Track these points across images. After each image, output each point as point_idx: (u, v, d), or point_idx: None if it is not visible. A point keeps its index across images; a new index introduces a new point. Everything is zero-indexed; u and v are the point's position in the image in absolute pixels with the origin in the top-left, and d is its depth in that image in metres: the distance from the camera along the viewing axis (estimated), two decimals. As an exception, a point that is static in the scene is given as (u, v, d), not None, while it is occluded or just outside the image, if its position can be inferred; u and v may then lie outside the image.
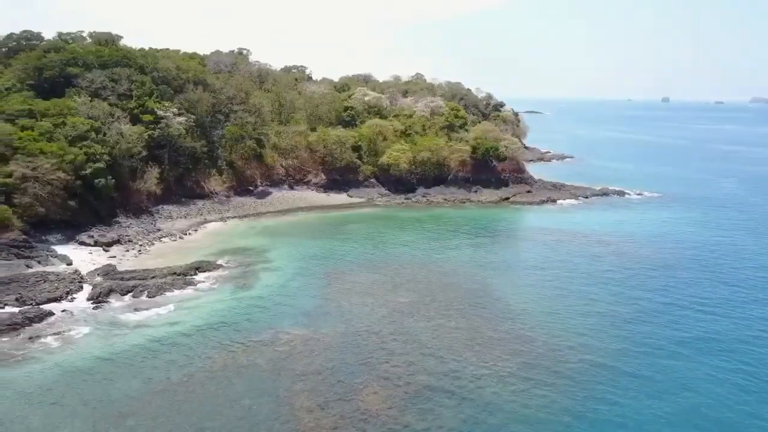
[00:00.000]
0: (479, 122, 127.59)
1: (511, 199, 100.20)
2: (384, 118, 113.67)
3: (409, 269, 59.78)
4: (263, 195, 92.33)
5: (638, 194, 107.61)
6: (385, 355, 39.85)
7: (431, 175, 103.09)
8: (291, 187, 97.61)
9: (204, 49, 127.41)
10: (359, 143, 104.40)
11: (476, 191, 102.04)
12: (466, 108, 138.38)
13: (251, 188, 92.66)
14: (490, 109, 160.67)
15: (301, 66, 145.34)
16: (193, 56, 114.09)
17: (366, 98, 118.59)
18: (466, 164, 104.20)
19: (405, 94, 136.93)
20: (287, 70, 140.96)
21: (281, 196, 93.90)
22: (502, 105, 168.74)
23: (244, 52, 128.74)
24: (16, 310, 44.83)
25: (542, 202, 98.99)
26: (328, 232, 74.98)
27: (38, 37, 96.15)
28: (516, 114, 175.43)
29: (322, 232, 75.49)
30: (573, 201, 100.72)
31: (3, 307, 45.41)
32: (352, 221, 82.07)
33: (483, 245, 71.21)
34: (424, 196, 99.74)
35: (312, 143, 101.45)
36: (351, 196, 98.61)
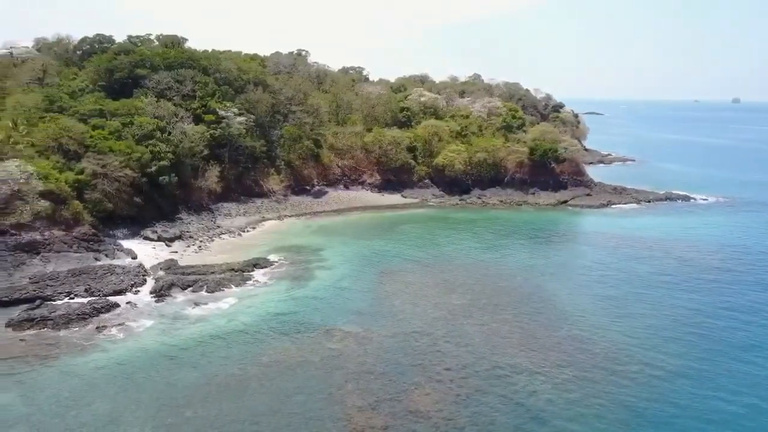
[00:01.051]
0: (538, 123, 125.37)
1: (569, 202, 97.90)
2: (440, 118, 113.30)
3: (462, 271, 59.33)
4: (319, 194, 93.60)
5: (704, 199, 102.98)
6: (437, 357, 39.69)
7: (487, 177, 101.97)
8: (346, 187, 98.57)
9: (264, 51, 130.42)
10: (414, 144, 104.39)
11: (533, 193, 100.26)
12: (525, 109, 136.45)
13: (308, 187, 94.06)
14: (549, 110, 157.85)
15: (359, 67, 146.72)
16: (253, 57, 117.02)
17: (422, 99, 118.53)
18: (524, 166, 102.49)
19: (462, 94, 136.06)
20: (345, 71, 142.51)
21: (337, 195, 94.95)
22: (561, 106, 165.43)
23: (303, 53, 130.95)
24: (85, 300, 47.07)
25: (602, 205, 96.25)
26: (382, 232, 75.28)
27: (110, 40, 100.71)
28: (576, 115, 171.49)
29: (376, 231, 75.86)
30: (635, 205, 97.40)
31: (73, 298, 47.77)
32: (405, 221, 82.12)
33: (539, 248, 69.92)
34: (479, 198, 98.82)
35: (368, 144, 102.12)
36: (405, 197, 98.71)
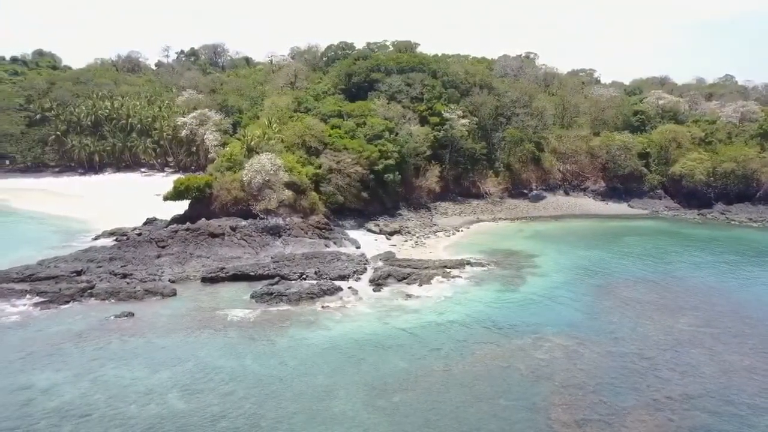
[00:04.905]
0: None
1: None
2: (680, 123, 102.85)
3: (694, 294, 52.97)
4: (537, 199, 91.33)
5: None
6: (657, 383, 36.05)
7: (734, 190, 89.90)
8: (566, 193, 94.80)
9: (492, 54, 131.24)
10: (647, 150, 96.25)
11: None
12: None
13: (525, 191, 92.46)
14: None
15: (590, 69, 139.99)
16: (481, 61, 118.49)
17: (660, 102, 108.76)
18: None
19: (709, 97, 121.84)
20: (574, 73, 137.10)
21: (555, 201, 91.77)
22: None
23: (531, 56, 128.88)
24: (314, 282, 52.05)
25: None
26: (603, 243, 70.70)
27: (351, 47, 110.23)
28: None
29: (596, 242, 71.50)
30: None
31: (305, 279, 53.13)
32: (631, 233, 76.02)
33: (797, 277, 59.42)
34: (722, 214, 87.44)
35: (594, 148, 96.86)
36: (632, 207, 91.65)
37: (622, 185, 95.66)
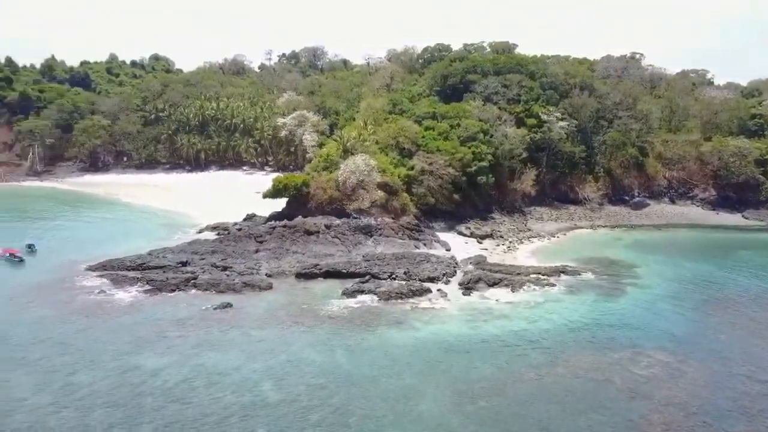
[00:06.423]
0: None
1: None
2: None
3: (818, 314, 48.34)
4: (639, 206, 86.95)
5: None
6: (770, 410, 33.23)
7: None
8: (672, 201, 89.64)
9: (594, 54, 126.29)
10: (766, 157, 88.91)
11: None
12: None
13: (627, 198, 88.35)
14: None
15: (702, 70, 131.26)
16: (582, 61, 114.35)
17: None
18: None
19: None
20: (684, 74, 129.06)
21: (660, 209, 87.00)
22: None
23: (637, 56, 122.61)
24: (403, 282, 52.25)
25: None
26: (712, 256, 66.15)
27: (447, 48, 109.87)
28: None
29: (704, 254, 67.00)
30: None
31: (395, 279, 53.43)
32: (744, 247, 70.59)
33: None
34: None
35: (704, 154, 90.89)
36: (747, 218, 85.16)
37: (735, 194, 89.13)
